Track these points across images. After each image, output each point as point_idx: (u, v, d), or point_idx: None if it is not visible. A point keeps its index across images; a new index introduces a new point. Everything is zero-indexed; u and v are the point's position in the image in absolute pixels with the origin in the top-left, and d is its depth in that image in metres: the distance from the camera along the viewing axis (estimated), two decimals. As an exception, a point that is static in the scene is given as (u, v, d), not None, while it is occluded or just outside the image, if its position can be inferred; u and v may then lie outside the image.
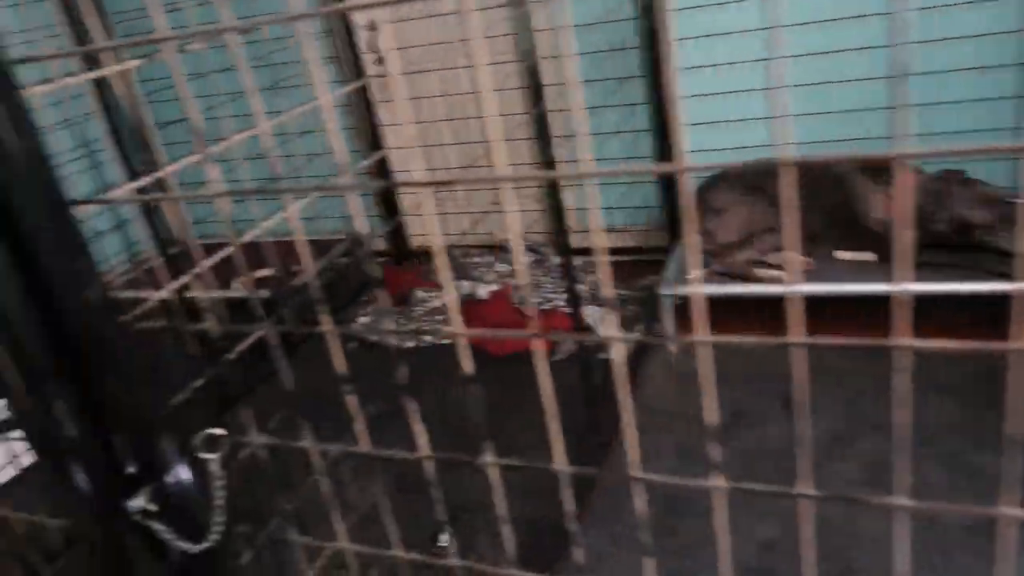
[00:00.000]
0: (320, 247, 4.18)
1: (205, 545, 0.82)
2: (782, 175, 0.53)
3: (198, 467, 0.81)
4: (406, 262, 4.50)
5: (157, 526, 0.81)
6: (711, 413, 0.60)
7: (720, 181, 3.50)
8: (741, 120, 3.61)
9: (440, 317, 3.59)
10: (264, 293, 3.76)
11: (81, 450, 0.78)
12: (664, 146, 3.69)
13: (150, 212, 3.20)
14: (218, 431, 0.78)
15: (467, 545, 2.22)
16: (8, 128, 0.65)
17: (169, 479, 0.80)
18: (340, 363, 0.43)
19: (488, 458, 0.50)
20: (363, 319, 3.71)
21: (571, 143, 3.63)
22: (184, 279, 2.04)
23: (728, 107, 3.58)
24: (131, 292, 4.00)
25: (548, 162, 2.38)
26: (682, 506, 2.30)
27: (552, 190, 2.45)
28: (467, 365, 0.53)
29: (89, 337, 0.75)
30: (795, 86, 3.44)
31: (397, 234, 4.52)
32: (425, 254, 4.53)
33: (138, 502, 0.79)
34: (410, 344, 3.54)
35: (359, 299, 4.03)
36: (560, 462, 0.71)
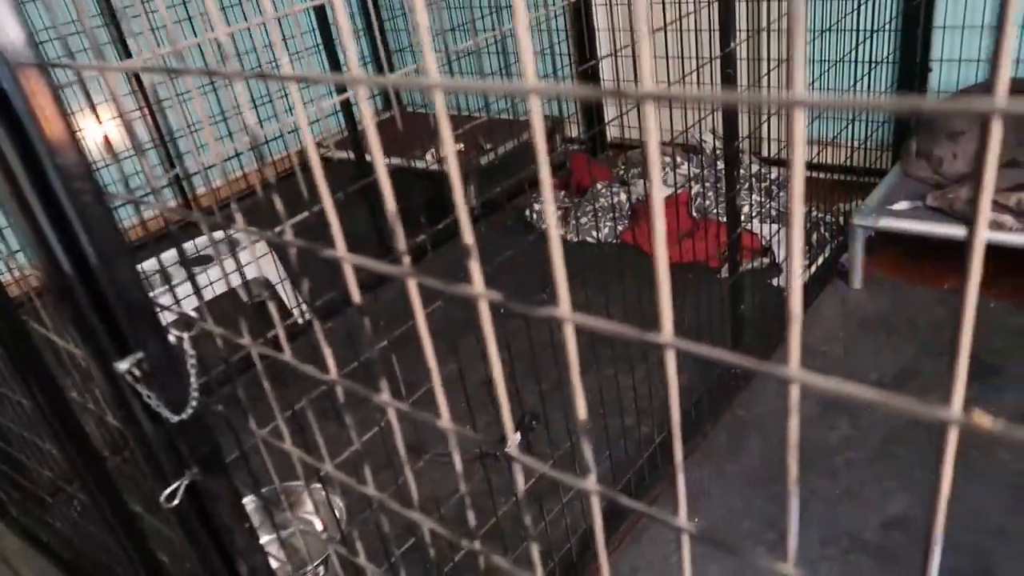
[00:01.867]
0: (517, 128, 4.17)
1: (183, 416, 0.86)
2: None
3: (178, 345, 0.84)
4: (601, 154, 4.37)
5: (143, 390, 0.86)
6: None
7: (961, 99, 2.95)
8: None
9: (615, 215, 3.47)
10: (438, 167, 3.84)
11: (87, 325, 0.84)
12: (907, 47, 3.16)
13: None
14: (191, 314, 0.80)
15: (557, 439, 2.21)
16: None
17: (152, 351, 0.84)
18: (468, 236, 0.40)
19: (664, 338, 0.45)
20: (537, 205, 3.68)
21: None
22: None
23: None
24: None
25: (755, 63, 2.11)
26: (810, 459, 2.11)
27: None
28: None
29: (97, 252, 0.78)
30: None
31: (595, 125, 4.38)
32: (621, 147, 4.36)
33: (123, 364, 0.84)
34: (574, 238, 3.48)
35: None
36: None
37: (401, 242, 0.49)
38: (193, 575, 1.33)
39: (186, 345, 0.82)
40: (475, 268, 0.44)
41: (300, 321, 3.03)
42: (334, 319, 2.88)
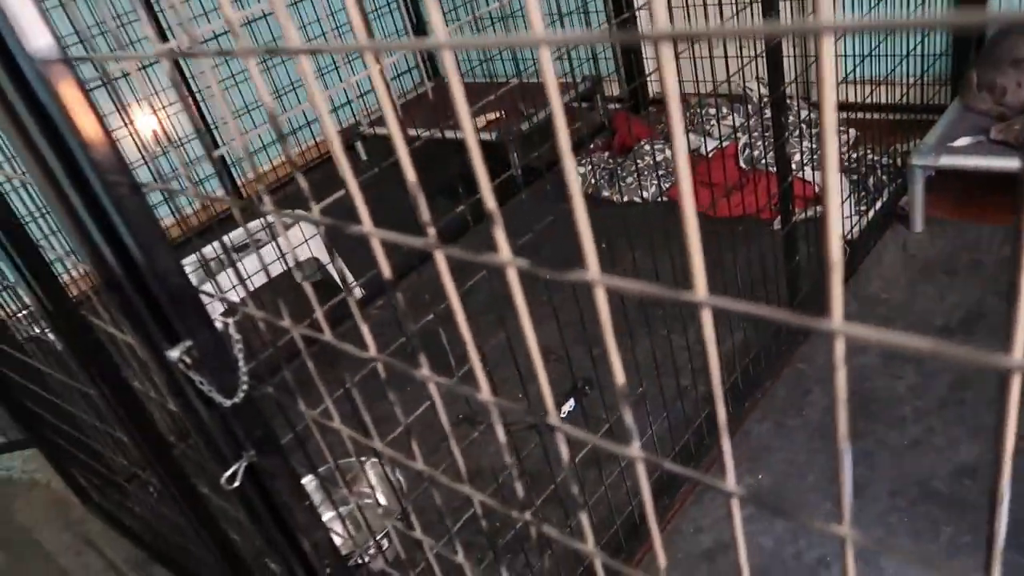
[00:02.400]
0: (560, 88, 4.10)
1: (235, 400, 0.88)
2: None
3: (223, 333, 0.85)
4: (642, 111, 4.27)
5: (194, 376, 0.87)
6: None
7: (1026, 24, 2.78)
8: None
9: (660, 172, 3.40)
10: (489, 136, 3.82)
11: (137, 316, 0.85)
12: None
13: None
14: (233, 299, 0.81)
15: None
16: None
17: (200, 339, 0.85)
18: (490, 202, 0.39)
19: (702, 297, 0.45)
20: (582, 169, 3.63)
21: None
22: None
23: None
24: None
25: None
26: (876, 409, 2.05)
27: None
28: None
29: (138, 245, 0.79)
30: None
31: (635, 80, 4.28)
32: (662, 103, 4.26)
33: (174, 352, 0.85)
34: (621, 199, 3.42)
35: (588, 145, 3.94)
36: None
37: (425, 214, 0.48)
38: (262, 552, 1.37)
39: (232, 330, 0.83)
40: (500, 236, 0.43)
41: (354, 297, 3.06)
42: (387, 295, 2.90)
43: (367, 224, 0.52)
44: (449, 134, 3.89)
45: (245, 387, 0.87)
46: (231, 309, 0.82)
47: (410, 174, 0.46)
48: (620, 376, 0.44)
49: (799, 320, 0.32)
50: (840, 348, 0.32)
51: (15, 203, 1.37)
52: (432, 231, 0.48)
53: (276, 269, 2.83)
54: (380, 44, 0.40)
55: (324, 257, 3.04)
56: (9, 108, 0.73)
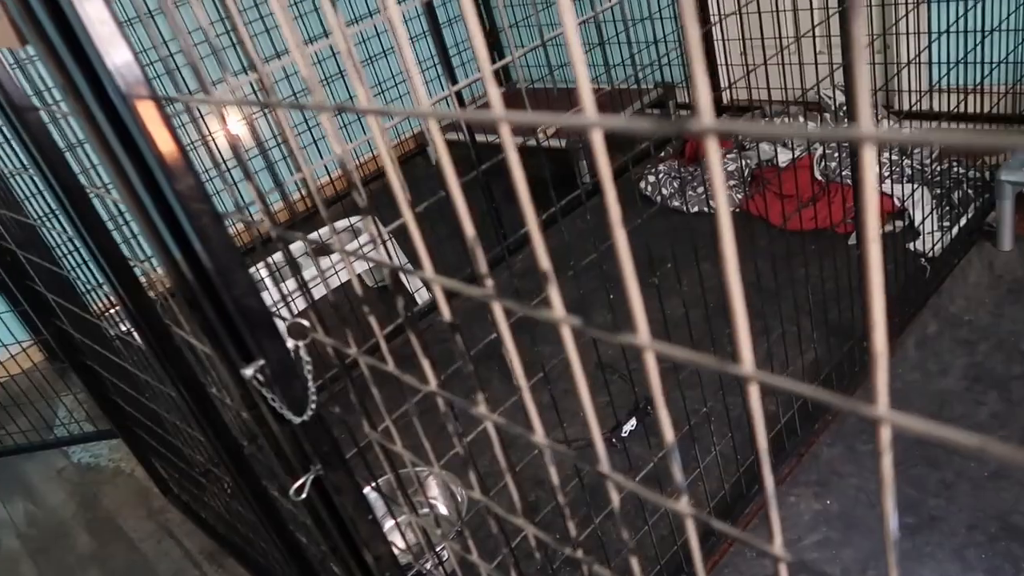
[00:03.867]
0: (630, 96, 4.07)
1: (304, 417, 0.91)
2: None
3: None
4: (718, 119, 4.20)
5: (267, 393, 0.91)
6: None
7: None
8: None
9: (732, 183, 3.34)
10: (558, 143, 3.82)
11: (215, 334, 0.90)
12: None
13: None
14: (304, 322, 0.84)
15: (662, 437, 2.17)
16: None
17: (272, 358, 0.89)
18: (544, 261, 0.40)
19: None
20: (652, 177, 3.60)
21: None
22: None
23: None
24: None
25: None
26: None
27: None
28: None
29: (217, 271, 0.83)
30: None
31: (710, 86, 4.21)
32: (738, 109, 4.18)
33: (248, 370, 0.89)
34: (693, 209, 3.38)
35: (658, 153, 3.90)
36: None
37: (482, 265, 0.49)
38: (326, 556, 1.42)
39: (302, 353, 0.86)
40: (555, 295, 0.44)
41: (421, 303, 3.12)
42: (458, 298, 2.94)
43: (428, 271, 0.54)
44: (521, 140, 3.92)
45: (314, 405, 0.90)
46: (301, 331, 0.85)
47: (468, 228, 0.48)
48: (668, 432, 0.45)
49: (842, 403, 0.32)
50: (886, 436, 0.32)
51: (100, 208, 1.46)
52: (489, 283, 0.49)
53: (346, 275, 2.91)
54: (437, 112, 0.41)
55: (393, 261, 3.10)
56: (104, 141, 0.78)
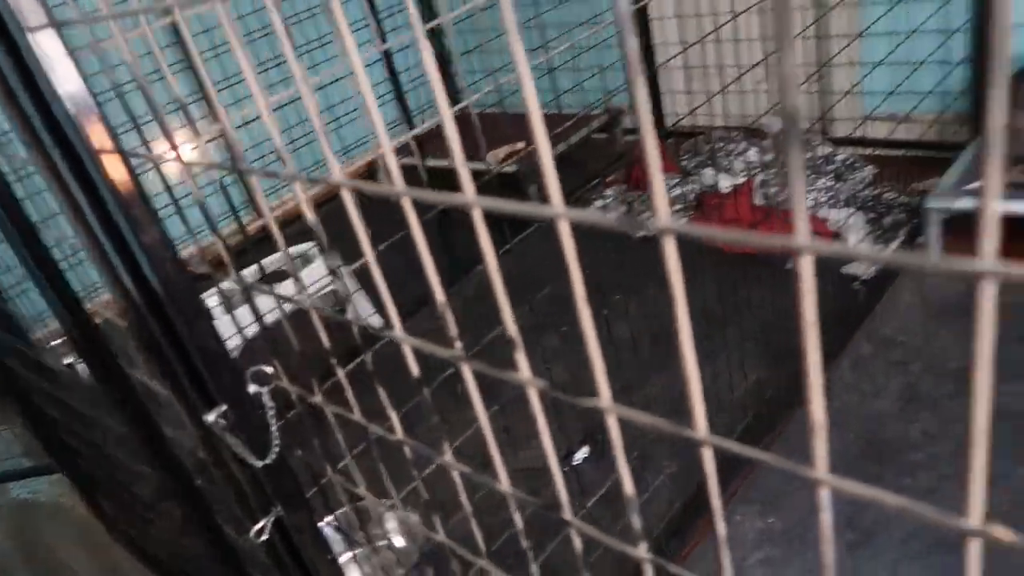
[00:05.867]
0: (581, 122, 4.15)
1: (267, 461, 0.92)
2: None
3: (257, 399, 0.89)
4: (661, 142, 4.32)
5: (230, 438, 0.92)
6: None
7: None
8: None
9: (679, 206, 3.44)
10: (510, 168, 3.88)
11: (178, 381, 0.90)
12: (985, 13, 3.01)
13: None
14: (267, 368, 0.85)
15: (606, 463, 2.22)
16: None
17: (234, 404, 0.90)
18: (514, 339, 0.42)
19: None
20: (601, 201, 3.68)
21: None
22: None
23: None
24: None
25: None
26: (889, 454, 2.06)
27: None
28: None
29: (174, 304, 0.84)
30: None
31: (654, 112, 4.33)
32: (681, 135, 4.30)
33: (211, 416, 0.90)
34: (642, 232, 3.46)
35: (607, 177, 3.98)
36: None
37: (453, 329, 0.52)
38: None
39: (265, 399, 0.87)
40: (521, 359, 0.47)
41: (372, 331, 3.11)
42: (413, 318, 2.90)
43: (398, 330, 0.56)
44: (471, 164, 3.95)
45: (276, 449, 0.91)
46: (264, 377, 0.87)
47: (439, 296, 0.51)
48: (629, 487, 0.48)
49: (782, 464, 0.36)
50: (825, 497, 0.36)
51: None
52: (458, 345, 0.52)
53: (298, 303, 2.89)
54: (351, 183, 0.44)
55: (346, 290, 3.10)
56: (68, 194, 0.79)
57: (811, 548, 1.89)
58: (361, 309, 3.15)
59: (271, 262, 3.11)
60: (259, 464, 0.93)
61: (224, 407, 0.90)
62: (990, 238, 0.28)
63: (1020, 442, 1.95)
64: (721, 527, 0.47)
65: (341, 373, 0.85)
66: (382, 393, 0.77)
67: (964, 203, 2.59)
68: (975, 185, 2.64)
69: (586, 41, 4.10)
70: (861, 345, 2.47)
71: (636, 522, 0.50)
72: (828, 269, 2.78)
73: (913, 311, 2.58)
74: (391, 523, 1.61)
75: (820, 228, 2.96)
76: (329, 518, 1.56)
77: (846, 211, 3.02)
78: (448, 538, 0.80)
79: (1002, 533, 0.30)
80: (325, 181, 0.49)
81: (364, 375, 0.77)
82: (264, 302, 2.70)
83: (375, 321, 3.16)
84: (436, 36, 4.81)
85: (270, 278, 2.95)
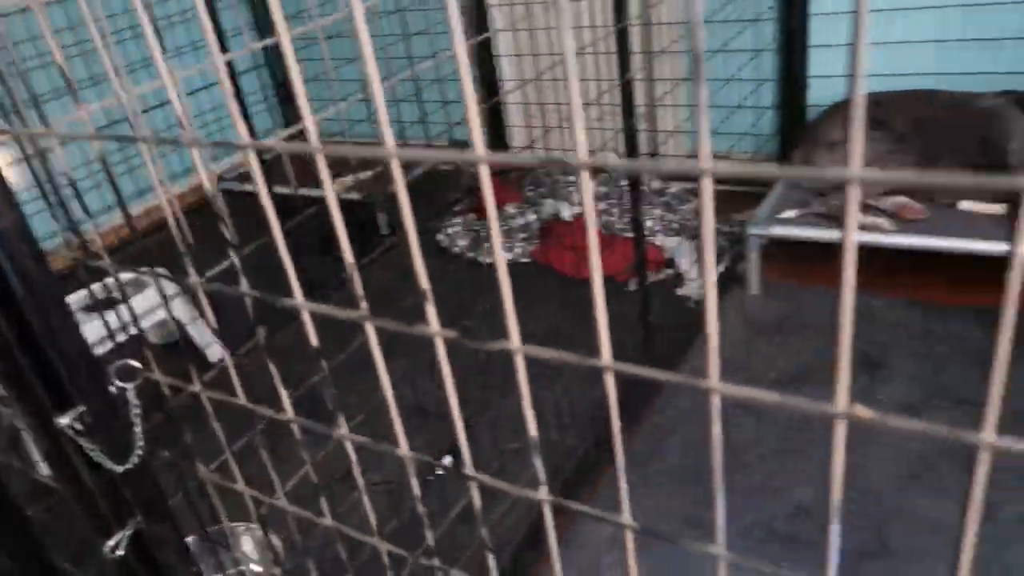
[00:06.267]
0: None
1: (128, 466, 0.87)
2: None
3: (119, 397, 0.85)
4: (505, 175, 4.47)
5: (85, 443, 0.86)
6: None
7: (837, 112, 3.20)
8: (874, 44, 3.24)
9: (523, 235, 3.57)
10: (356, 195, 3.86)
11: (24, 383, 0.84)
12: (789, 66, 3.39)
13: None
14: (134, 363, 0.82)
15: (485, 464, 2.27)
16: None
17: (93, 404, 0.85)
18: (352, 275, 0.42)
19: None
20: (450, 230, 3.74)
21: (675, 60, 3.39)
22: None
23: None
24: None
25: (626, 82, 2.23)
26: (725, 455, 2.23)
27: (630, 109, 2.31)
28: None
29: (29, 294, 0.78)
30: (932, 7, 3.04)
31: (499, 145, 4.48)
32: (525, 168, 4.47)
33: (65, 419, 0.84)
34: (486, 260, 3.56)
35: (455, 207, 4.06)
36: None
37: (359, 288, 0.54)
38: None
39: (130, 396, 0.83)
40: (431, 311, 0.50)
41: (214, 360, 2.97)
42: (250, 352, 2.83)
43: (299, 297, 0.57)
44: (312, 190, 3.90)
45: (140, 452, 0.87)
46: (131, 373, 0.83)
47: (313, 339, 0.52)
48: (533, 429, 0.52)
49: (679, 379, 0.41)
50: (716, 403, 0.42)
51: None
52: (364, 305, 0.54)
53: (132, 329, 2.71)
54: (244, 144, 0.46)
55: (184, 317, 2.94)
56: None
57: (661, 549, 2.01)
58: (199, 337, 2.99)
59: (99, 290, 2.89)
60: (119, 469, 0.87)
61: (81, 408, 0.85)
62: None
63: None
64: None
65: (203, 394, 0.82)
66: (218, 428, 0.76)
67: (777, 230, 2.88)
68: (786, 214, 2.96)
69: (429, 73, 4.19)
70: (694, 359, 2.67)
71: (485, 535, 0.53)
72: (661, 292, 2.99)
73: (736, 328, 2.82)
74: (247, 546, 1.54)
75: (655, 254, 3.18)
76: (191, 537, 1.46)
77: (676, 239, 3.26)
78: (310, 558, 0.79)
79: (863, 412, 0.36)
80: (231, 145, 0.50)
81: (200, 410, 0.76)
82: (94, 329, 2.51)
83: (214, 353, 3.01)
84: (277, 58, 4.73)
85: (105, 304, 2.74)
